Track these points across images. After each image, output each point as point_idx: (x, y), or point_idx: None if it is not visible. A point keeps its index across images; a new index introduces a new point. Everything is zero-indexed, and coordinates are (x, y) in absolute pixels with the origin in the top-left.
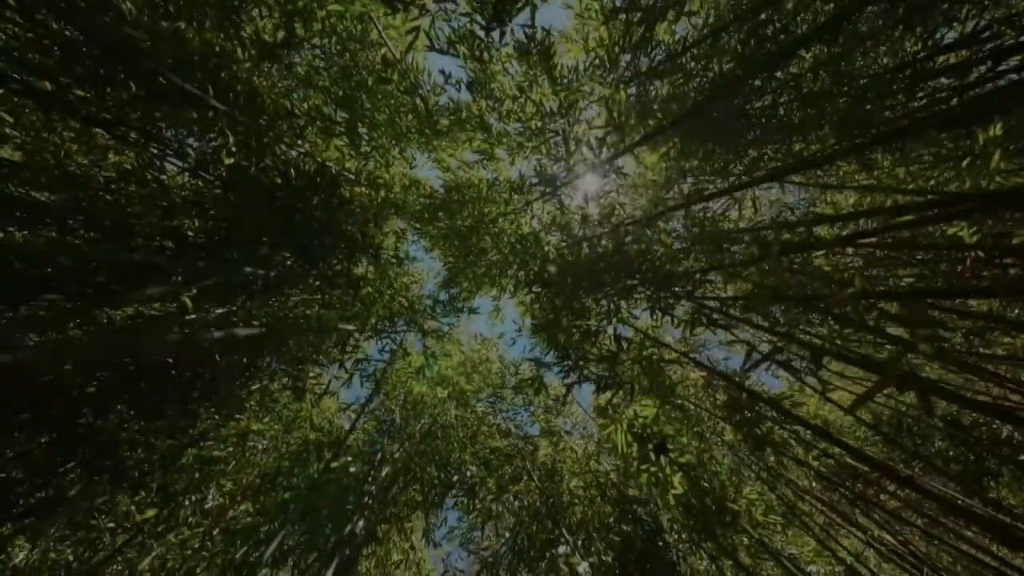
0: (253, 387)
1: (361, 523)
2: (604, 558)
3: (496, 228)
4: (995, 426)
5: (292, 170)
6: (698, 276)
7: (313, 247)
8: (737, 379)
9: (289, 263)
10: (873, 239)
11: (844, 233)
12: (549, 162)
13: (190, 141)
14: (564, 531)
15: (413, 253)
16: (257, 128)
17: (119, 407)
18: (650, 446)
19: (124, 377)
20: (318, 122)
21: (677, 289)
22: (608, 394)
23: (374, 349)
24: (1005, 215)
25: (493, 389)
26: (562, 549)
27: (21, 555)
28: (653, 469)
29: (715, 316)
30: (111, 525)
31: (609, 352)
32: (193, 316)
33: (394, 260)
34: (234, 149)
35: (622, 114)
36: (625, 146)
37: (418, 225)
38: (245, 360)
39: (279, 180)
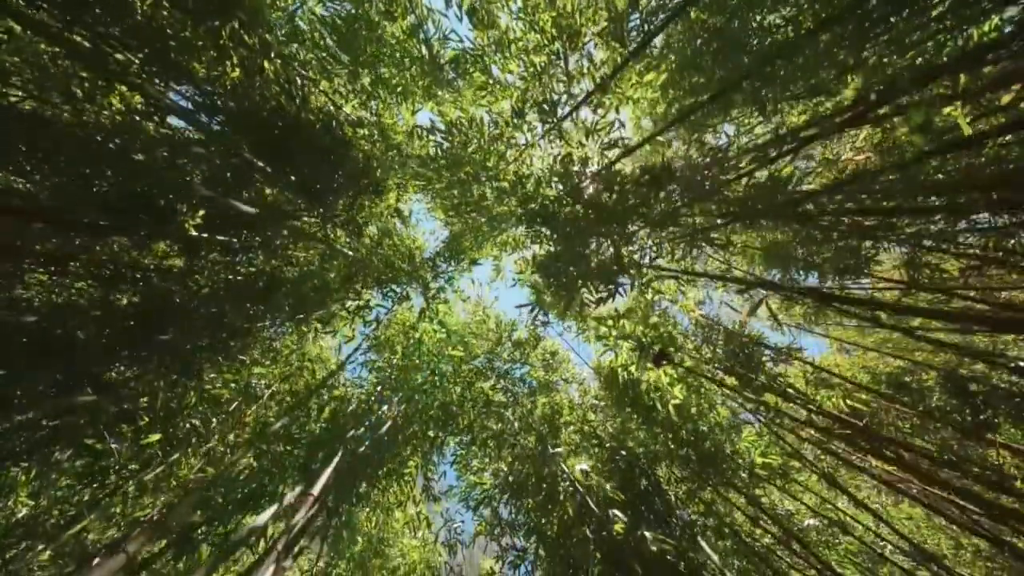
0: (258, 327)
1: (363, 459)
2: (604, 488)
3: (497, 171)
4: (993, 377)
5: (295, 91)
6: (693, 198)
7: (315, 189)
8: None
9: (290, 199)
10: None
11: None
12: (550, 93)
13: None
14: (563, 468)
15: (414, 218)
16: (260, 45)
17: (125, 346)
18: (650, 355)
19: (129, 317)
20: (319, 56)
21: (671, 211)
22: (608, 304)
23: (375, 297)
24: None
25: (491, 345)
26: (561, 449)
27: (24, 510)
28: (654, 379)
29: (712, 237)
30: (115, 446)
31: (611, 270)
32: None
33: (395, 214)
34: (237, 69)
35: (624, 25)
36: (624, 60)
37: (420, 180)
38: (249, 306)
39: (283, 100)
